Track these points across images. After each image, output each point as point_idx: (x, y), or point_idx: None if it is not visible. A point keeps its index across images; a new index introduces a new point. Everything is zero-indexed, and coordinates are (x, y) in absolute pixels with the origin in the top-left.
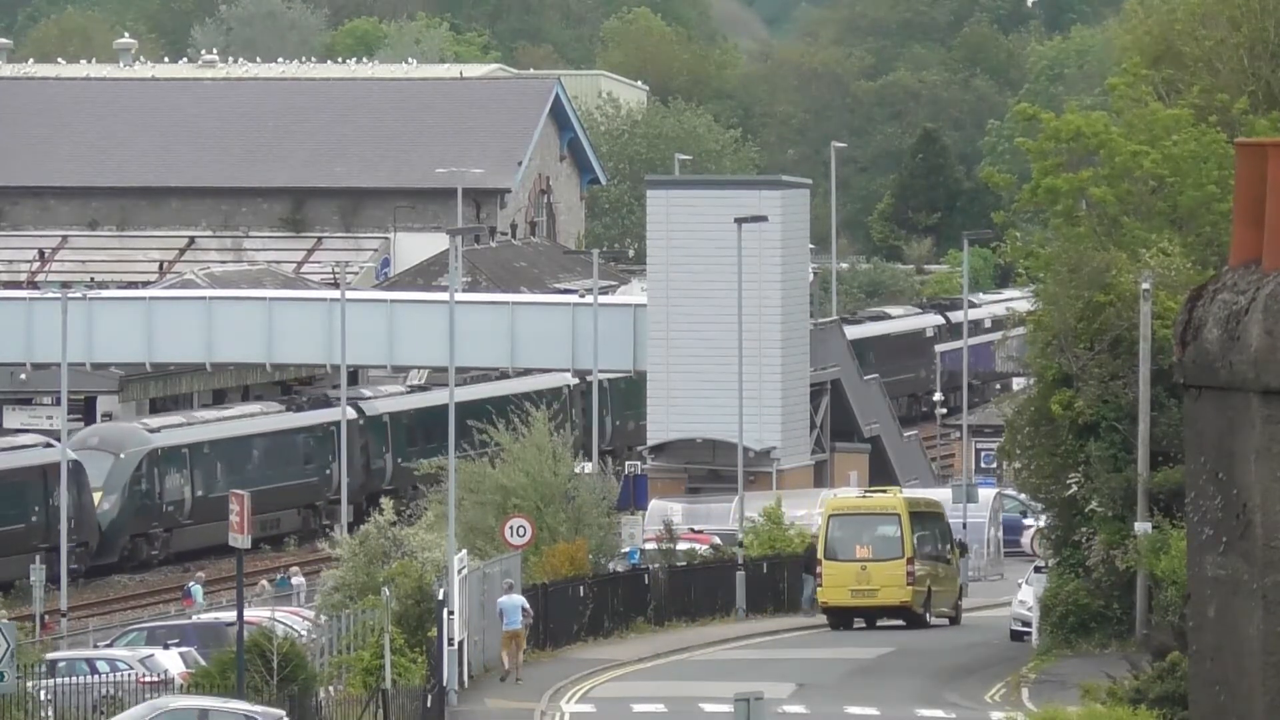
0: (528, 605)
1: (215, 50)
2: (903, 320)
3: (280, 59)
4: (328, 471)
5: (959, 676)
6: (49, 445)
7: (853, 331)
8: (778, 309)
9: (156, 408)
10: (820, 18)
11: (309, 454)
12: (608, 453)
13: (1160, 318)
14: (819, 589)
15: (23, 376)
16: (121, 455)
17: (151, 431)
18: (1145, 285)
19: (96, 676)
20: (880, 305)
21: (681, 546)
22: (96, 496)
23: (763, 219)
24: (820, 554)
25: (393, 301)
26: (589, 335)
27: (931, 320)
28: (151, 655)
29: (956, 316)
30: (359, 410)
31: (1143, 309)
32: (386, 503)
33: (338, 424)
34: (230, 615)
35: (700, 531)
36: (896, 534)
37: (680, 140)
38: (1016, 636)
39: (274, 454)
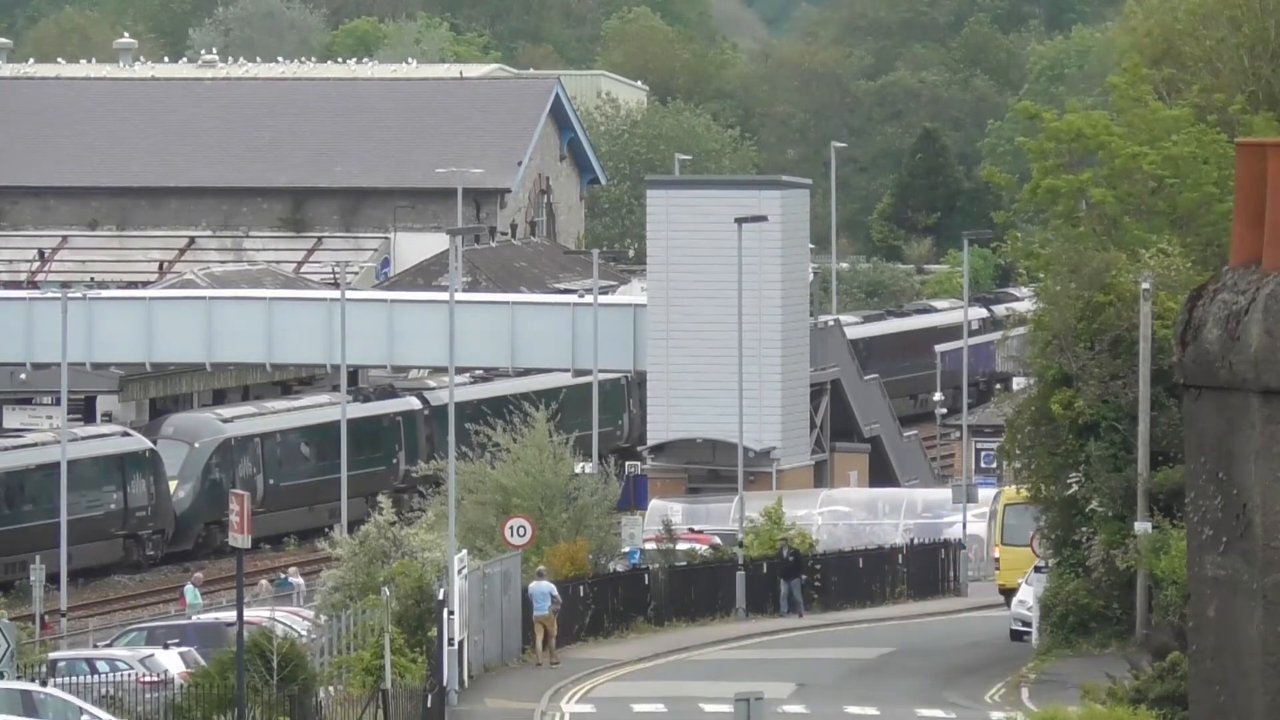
0: (556, 592)
1: (215, 50)
2: (948, 313)
3: (280, 59)
4: (394, 460)
5: (959, 676)
6: (126, 434)
7: (900, 324)
8: (778, 309)
9: (156, 408)
10: (820, 18)
11: (376, 443)
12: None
13: (1160, 318)
14: (997, 572)
15: (23, 376)
16: (196, 445)
17: (225, 421)
18: (1145, 285)
19: (96, 676)
20: (891, 302)
21: (681, 546)
22: (172, 485)
23: (763, 219)
24: (997, 540)
25: (393, 301)
26: (589, 335)
27: (975, 313)
28: (151, 655)
29: (999, 309)
30: (424, 401)
31: (1143, 309)
32: (385, 502)
33: (404, 414)
34: (230, 615)
35: (700, 531)
36: None
37: (680, 140)
38: (1016, 636)
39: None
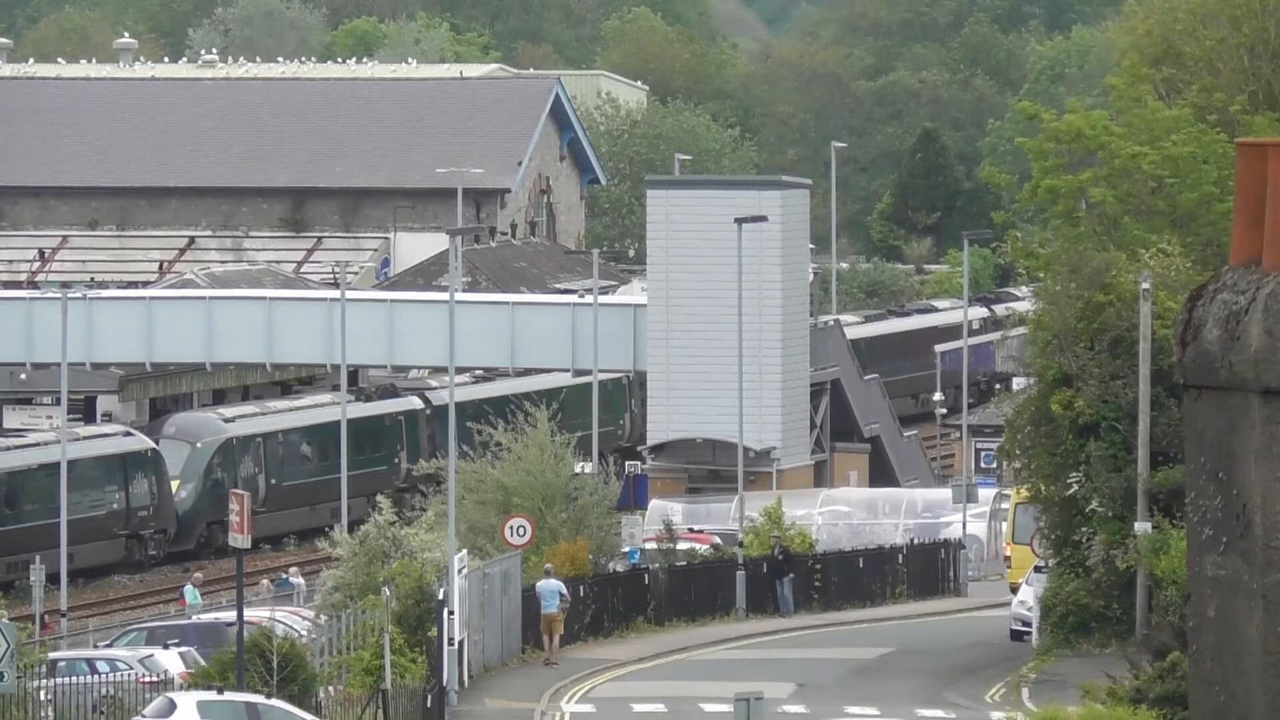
0: (564, 590)
1: (215, 50)
2: (948, 313)
3: (280, 59)
4: (396, 460)
5: (959, 676)
6: (128, 434)
7: (900, 324)
8: (778, 309)
9: (157, 408)
10: (820, 18)
11: (378, 443)
12: None
13: (1160, 318)
14: (1008, 570)
15: (23, 376)
16: (198, 444)
17: (227, 421)
18: (1145, 285)
19: (96, 676)
20: (891, 302)
21: (681, 546)
22: (174, 485)
23: (763, 219)
24: (1008, 539)
25: (393, 301)
26: (589, 335)
27: (977, 313)
28: (151, 655)
29: (999, 309)
30: (426, 400)
31: (1143, 309)
32: (385, 502)
33: (406, 413)
34: (230, 615)
35: (700, 531)
36: None
37: (680, 140)
38: (1016, 636)
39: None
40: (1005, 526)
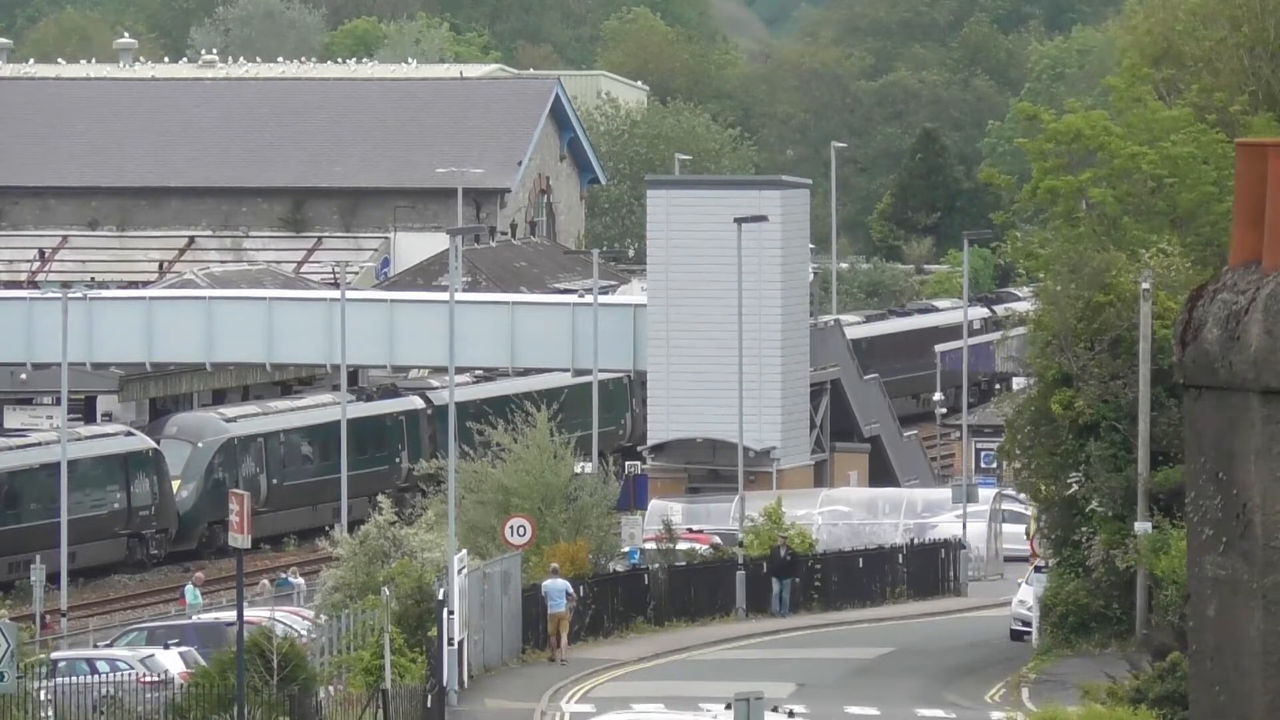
0: (571, 590)
1: (215, 50)
2: (948, 313)
3: (280, 59)
4: (398, 460)
5: (959, 676)
6: (129, 434)
7: (900, 324)
8: (778, 309)
9: (157, 408)
10: (820, 18)
11: (380, 443)
12: None
13: (1160, 318)
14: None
15: (23, 376)
16: (199, 444)
17: (228, 421)
18: (1145, 285)
19: (96, 676)
20: (891, 302)
21: (681, 546)
22: (175, 484)
23: (763, 219)
24: (1030, 536)
25: (393, 301)
26: (589, 335)
27: (977, 313)
28: (151, 655)
29: (1000, 309)
30: (427, 400)
31: (1143, 309)
32: (385, 502)
33: (407, 413)
34: (230, 615)
35: (700, 531)
36: None
37: (680, 140)
38: (1016, 636)
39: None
40: (1028, 525)
